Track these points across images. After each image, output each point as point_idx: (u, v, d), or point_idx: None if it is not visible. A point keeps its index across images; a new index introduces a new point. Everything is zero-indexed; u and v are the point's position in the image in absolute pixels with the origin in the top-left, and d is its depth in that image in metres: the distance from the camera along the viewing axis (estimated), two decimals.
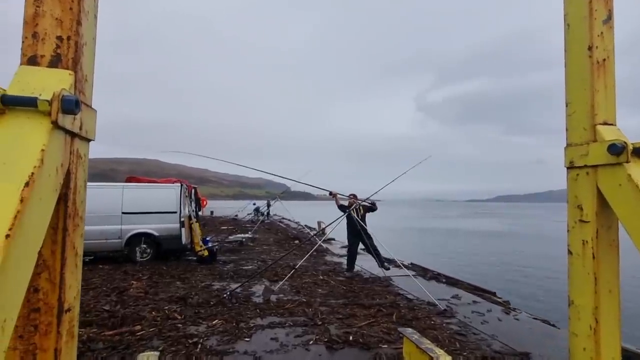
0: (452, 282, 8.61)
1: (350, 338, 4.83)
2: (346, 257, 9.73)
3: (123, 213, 10.33)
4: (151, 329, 5.06)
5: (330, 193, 9.20)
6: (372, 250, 8.96)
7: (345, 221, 9.21)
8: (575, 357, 1.97)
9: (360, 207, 9.22)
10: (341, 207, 9.22)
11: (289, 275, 7.96)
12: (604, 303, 1.87)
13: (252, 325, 5.34)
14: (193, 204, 11.73)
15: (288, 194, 26.28)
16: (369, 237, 9.03)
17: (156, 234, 10.51)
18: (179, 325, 5.27)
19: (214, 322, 5.40)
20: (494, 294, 7.80)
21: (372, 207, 9.37)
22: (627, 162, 1.71)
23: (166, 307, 6.01)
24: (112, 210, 10.17)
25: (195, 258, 10.63)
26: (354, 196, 9.34)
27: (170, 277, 8.50)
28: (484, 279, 12.59)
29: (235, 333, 5.01)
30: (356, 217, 9.03)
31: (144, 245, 10.49)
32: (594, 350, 1.86)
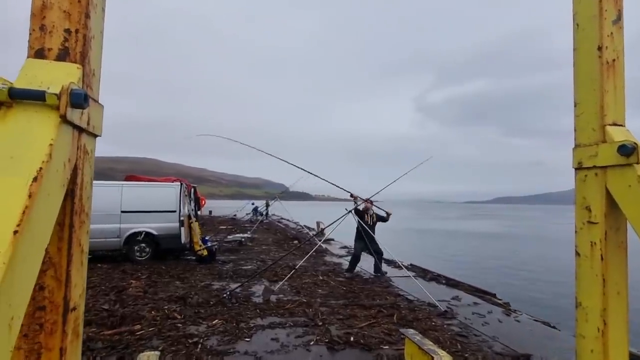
0: (452, 283, 8.60)
1: (351, 339, 4.81)
2: (348, 258, 9.75)
3: (122, 212, 10.28)
4: (151, 329, 5.03)
5: (351, 195, 9.40)
6: (373, 253, 9.00)
7: (354, 225, 9.34)
8: (582, 359, 1.96)
9: (374, 215, 9.32)
10: (356, 210, 9.37)
11: (289, 275, 7.94)
12: (612, 305, 1.85)
13: (252, 325, 5.32)
14: (192, 203, 11.69)
15: (287, 194, 26.21)
16: (373, 242, 9.06)
17: (155, 233, 10.47)
18: (179, 325, 5.25)
19: (214, 322, 5.37)
20: (494, 295, 7.80)
21: (384, 218, 9.47)
22: (638, 163, 1.69)
23: (166, 307, 5.98)
24: (111, 208, 10.10)
25: (194, 257, 10.60)
26: (370, 202, 9.44)
27: (169, 277, 8.47)
28: (484, 280, 12.56)
29: (236, 333, 4.98)
30: (359, 219, 9.13)
31: (143, 244, 10.45)
32: (601, 352, 1.85)
